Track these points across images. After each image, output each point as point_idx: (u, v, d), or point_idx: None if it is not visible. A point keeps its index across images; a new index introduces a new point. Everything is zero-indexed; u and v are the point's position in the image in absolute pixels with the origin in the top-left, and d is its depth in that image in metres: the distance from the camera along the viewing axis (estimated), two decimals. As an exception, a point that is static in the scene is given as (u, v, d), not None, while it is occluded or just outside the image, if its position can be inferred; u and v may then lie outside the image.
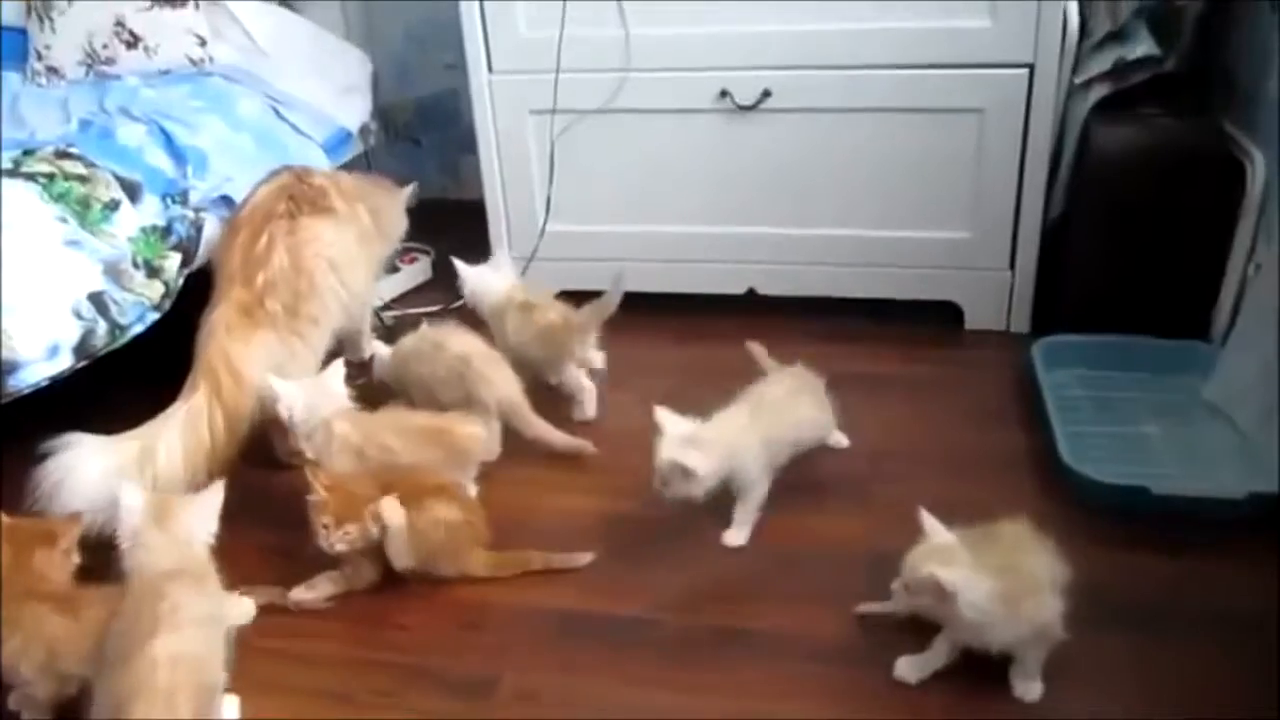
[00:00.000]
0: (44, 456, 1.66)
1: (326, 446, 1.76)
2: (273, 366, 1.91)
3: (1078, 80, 2.14)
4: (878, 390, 2.12)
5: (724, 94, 2.26)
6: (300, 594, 1.65)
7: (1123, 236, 2.10)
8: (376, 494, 1.63)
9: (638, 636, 1.57)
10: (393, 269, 2.60)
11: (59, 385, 1.84)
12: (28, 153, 2.01)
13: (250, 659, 1.44)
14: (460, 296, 2.22)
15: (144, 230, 2.05)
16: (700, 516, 1.71)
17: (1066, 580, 1.40)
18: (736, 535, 1.73)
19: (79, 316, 1.87)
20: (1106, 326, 2.09)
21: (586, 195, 2.44)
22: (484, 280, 2.17)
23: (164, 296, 2.03)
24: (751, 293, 2.41)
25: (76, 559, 1.44)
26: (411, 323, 2.21)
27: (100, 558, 1.51)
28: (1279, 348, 1.77)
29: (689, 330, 2.40)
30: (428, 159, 2.76)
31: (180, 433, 1.80)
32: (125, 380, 1.97)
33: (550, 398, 2.06)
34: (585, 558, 1.68)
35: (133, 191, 2.07)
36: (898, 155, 2.24)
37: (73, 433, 1.70)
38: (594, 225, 2.46)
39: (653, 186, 2.41)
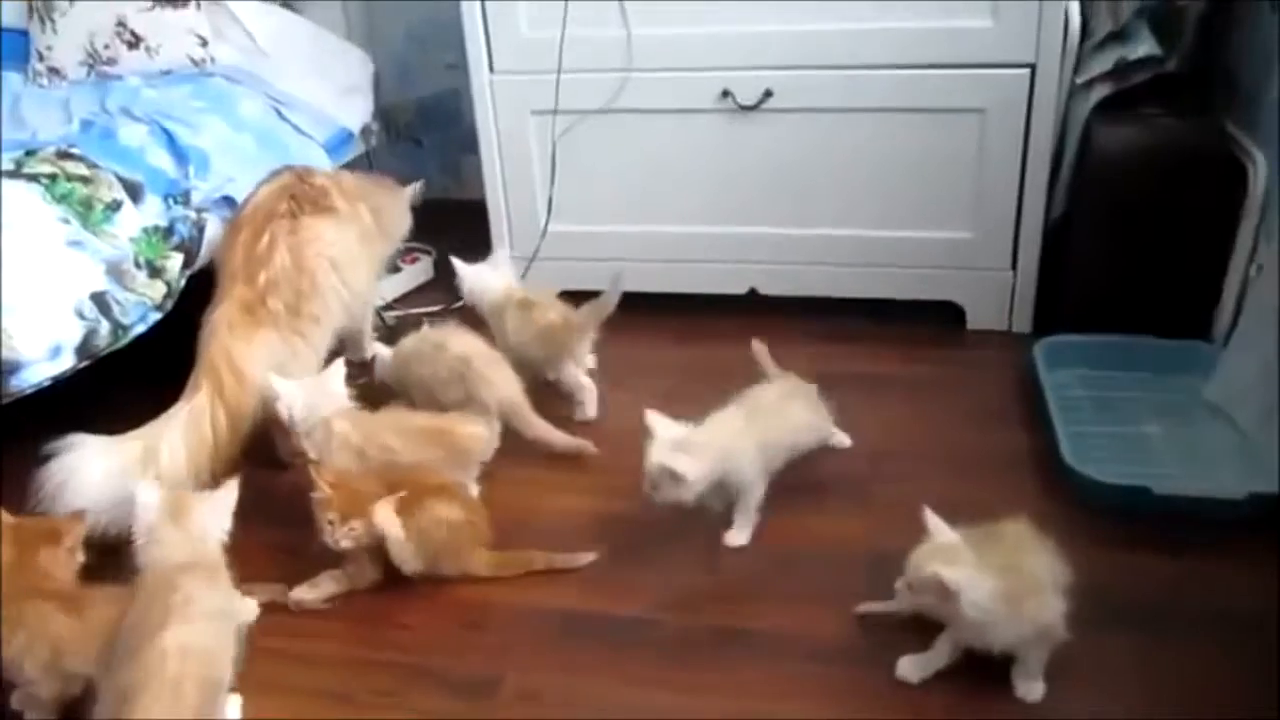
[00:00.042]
0: (47, 457, 1.67)
1: (326, 445, 1.77)
2: (275, 365, 1.91)
3: (1079, 80, 2.14)
4: (879, 390, 2.12)
5: (725, 94, 2.27)
6: (302, 593, 1.65)
7: (1124, 237, 2.10)
8: (381, 491, 1.63)
9: (639, 636, 1.57)
10: (394, 269, 2.61)
11: (61, 385, 1.84)
12: (30, 153, 2.02)
13: (252, 658, 1.44)
14: (461, 296, 2.23)
15: (146, 231, 2.05)
16: (701, 517, 1.71)
17: (1068, 580, 1.40)
18: (737, 536, 1.73)
19: (81, 316, 1.88)
20: (1108, 327, 2.09)
21: (588, 195, 2.44)
22: (482, 279, 2.17)
23: (166, 296, 2.03)
24: (753, 293, 2.41)
25: (81, 557, 1.44)
26: (413, 323, 2.21)
27: (104, 558, 1.51)
28: (1280, 348, 1.77)
29: (690, 330, 2.40)
30: (429, 159, 2.76)
31: (183, 432, 1.80)
32: (127, 380, 1.98)
33: (550, 398, 2.06)
34: (587, 558, 1.68)
35: (134, 192, 2.07)
36: (899, 155, 2.24)
37: (76, 433, 1.70)
38: (595, 225, 2.46)
39: (654, 186, 2.41)
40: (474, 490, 1.81)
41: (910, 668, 1.45)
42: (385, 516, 1.61)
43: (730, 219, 2.38)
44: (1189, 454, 1.85)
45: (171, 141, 2.22)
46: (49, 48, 2.52)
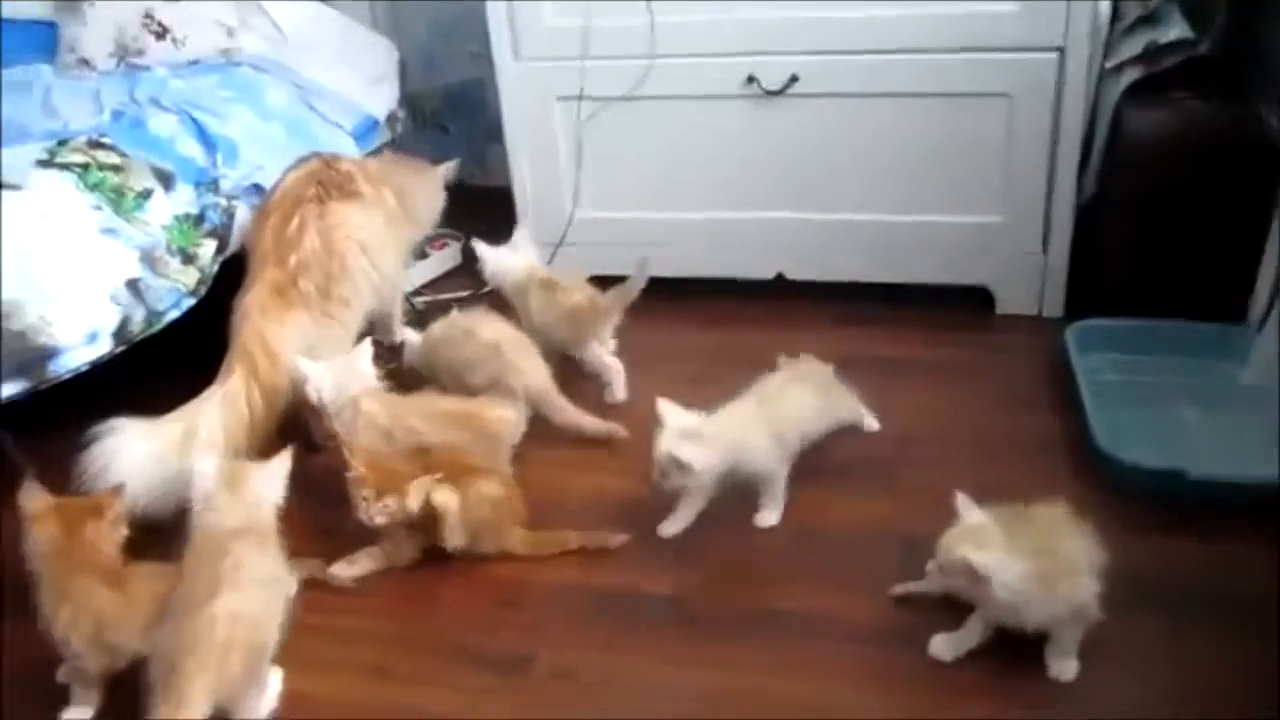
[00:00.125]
0: (89, 442, 1.69)
1: (354, 423, 1.78)
2: (306, 346, 1.94)
3: (1109, 64, 2.13)
4: (908, 375, 2.12)
5: (751, 80, 2.26)
6: (341, 569, 1.67)
7: (1156, 220, 2.09)
8: (416, 470, 1.65)
9: (672, 615, 1.58)
10: (422, 255, 2.62)
11: (99, 371, 1.87)
12: (62, 143, 2.04)
13: (291, 634, 1.45)
14: (485, 280, 2.24)
15: (177, 218, 2.07)
16: (731, 499, 1.71)
17: (1102, 563, 1.39)
18: (768, 517, 1.73)
19: (116, 303, 1.90)
20: (1141, 310, 2.08)
21: (613, 181, 2.45)
22: (503, 260, 2.19)
23: (199, 283, 2.05)
24: (780, 278, 2.41)
25: (123, 530, 1.46)
26: (441, 308, 2.23)
27: (148, 535, 1.53)
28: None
29: (718, 315, 2.40)
30: (455, 147, 2.76)
31: (221, 413, 1.83)
32: (163, 366, 2.00)
33: (580, 381, 2.07)
34: (620, 538, 1.69)
35: (166, 180, 2.09)
36: (926, 140, 2.23)
37: (116, 417, 1.72)
38: (621, 211, 2.46)
39: (680, 172, 2.41)
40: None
41: (943, 646, 1.45)
42: (442, 495, 1.63)
43: (757, 204, 2.38)
44: (1223, 438, 1.84)
45: (201, 131, 2.23)
46: (78, 39, 2.53)
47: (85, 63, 2.53)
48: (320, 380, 1.83)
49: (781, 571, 1.65)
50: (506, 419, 1.83)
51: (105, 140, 2.08)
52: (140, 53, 2.52)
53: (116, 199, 1.99)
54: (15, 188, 1.88)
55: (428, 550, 1.68)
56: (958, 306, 2.32)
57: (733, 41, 2.26)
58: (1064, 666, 1.40)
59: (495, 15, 2.35)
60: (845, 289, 2.36)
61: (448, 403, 1.87)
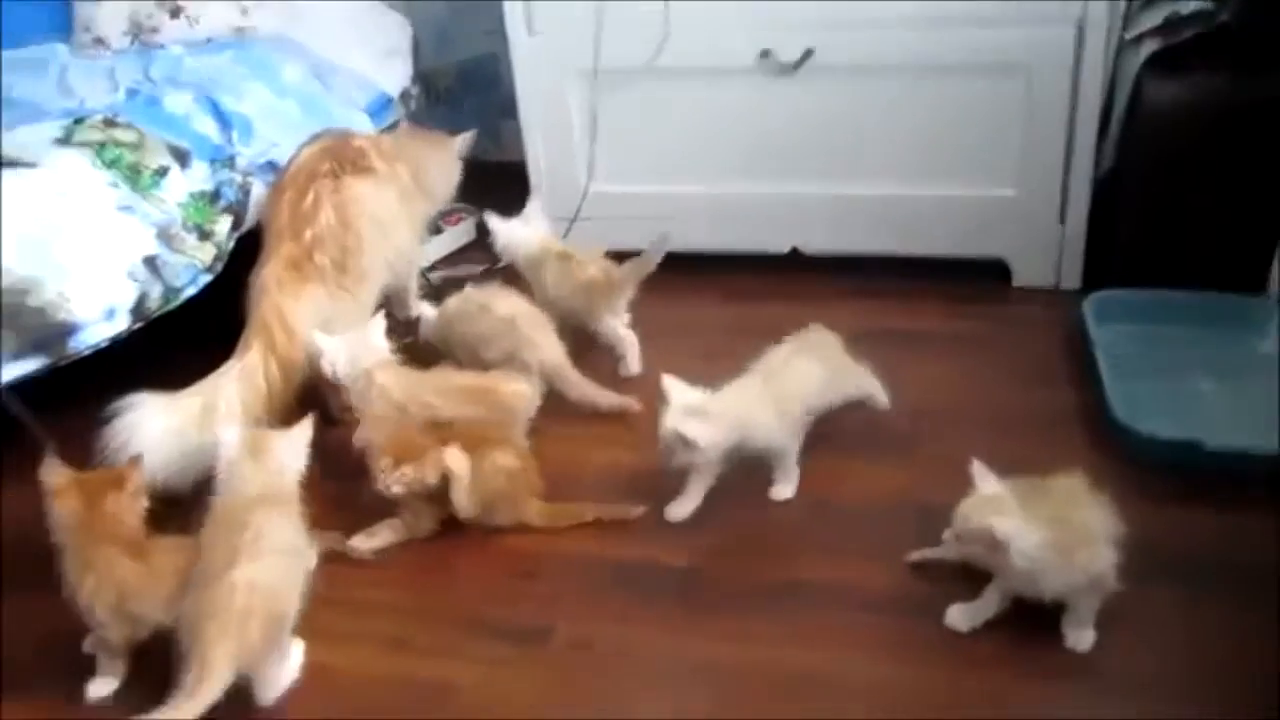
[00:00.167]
0: (109, 417, 1.70)
1: (367, 395, 1.79)
2: (322, 320, 1.95)
3: (1129, 36, 2.11)
4: (924, 348, 2.11)
5: (766, 53, 2.25)
6: (360, 542, 1.68)
7: (1176, 191, 2.08)
8: (433, 441, 1.65)
9: (688, 587, 1.59)
10: (437, 230, 2.62)
11: (118, 347, 1.88)
12: (78, 122, 2.05)
13: (310, 606, 1.46)
14: (497, 253, 2.25)
15: (193, 195, 2.08)
16: (746, 471, 1.71)
17: (1119, 534, 1.39)
18: (783, 489, 1.74)
19: (134, 279, 1.91)
20: (1159, 282, 2.07)
21: (628, 156, 2.44)
22: (514, 233, 2.19)
23: (215, 259, 2.06)
24: (795, 252, 2.41)
25: (144, 502, 1.48)
26: (456, 283, 2.23)
27: (169, 508, 1.55)
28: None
29: (733, 289, 2.40)
30: (469, 123, 2.75)
31: (239, 387, 1.84)
32: (181, 342, 2.01)
33: (595, 355, 2.08)
34: (638, 510, 1.70)
35: (181, 157, 2.10)
36: (944, 112, 2.22)
37: (135, 393, 1.74)
38: (636, 186, 2.46)
39: (694, 146, 2.40)
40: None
41: (959, 616, 1.45)
42: (454, 456, 1.64)
43: (772, 178, 2.37)
44: (1241, 409, 1.83)
45: (216, 108, 2.24)
46: (93, 18, 2.54)
47: (100, 41, 2.53)
48: (335, 354, 1.84)
49: (797, 543, 1.66)
50: (522, 393, 1.84)
51: (121, 118, 2.09)
52: (154, 31, 2.53)
53: (133, 176, 2.00)
54: (33, 166, 1.89)
55: (445, 523, 1.69)
56: (974, 279, 2.31)
57: (748, 15, 2.24)
58: (1080, 636, 1.40)
59: (509, -12, 2.35)
60: (861, 263, 2.35)
61: (463, 378, 1.87)
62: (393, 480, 1.62)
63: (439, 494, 1.66)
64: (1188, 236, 2.10)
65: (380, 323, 1.91)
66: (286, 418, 1.78)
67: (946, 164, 2.26)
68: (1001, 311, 2.25)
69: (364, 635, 1.54)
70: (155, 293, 1.94)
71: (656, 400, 1.68)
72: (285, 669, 1.43)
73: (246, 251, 2.07)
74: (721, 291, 2.40)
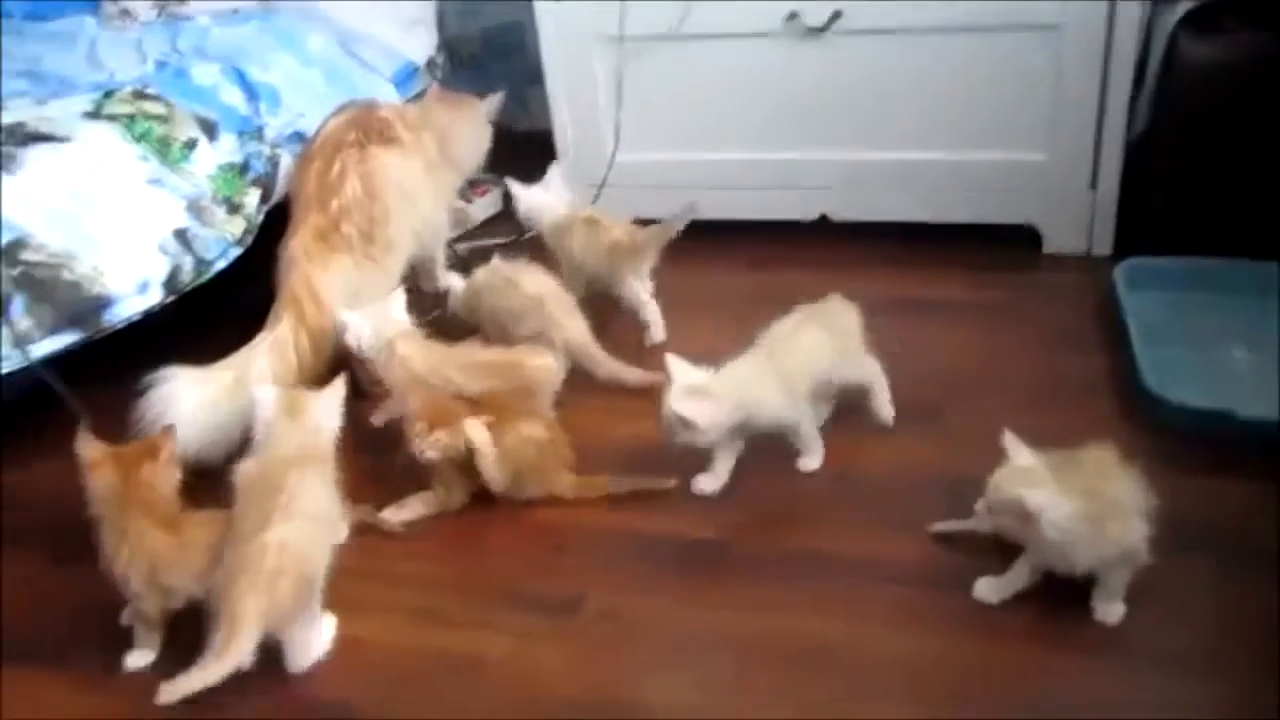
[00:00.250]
0: (143, 390, 1.73)
1: (389, 365, 1.80)
2: (350, 291, 1.96)
3: (1163, -7, 2.07)
4: (955, 316, 2.10)
5: (793, 16, 2.22)
6: (391, 514, 1.70)
7: (1211, 154, 2.04)
8: (466, 409, 1.67)
9: (716, 559, 1.59)
10: (464, 200, 2.62)
11: (151, 320, 1.90)
12: (108, 94, 2.06)
13: (342, 579, 1.49)
14: (520, 220, 2.26)
15: (222, 168, 2.10)
16: (774, 443, 1.71)
17: (1150, 507, 1.38)
18: (809, 461, 1.73)
19: (165, 253, 1.94)
20: (1193, 248, 2.03)
21: (655, 123, 2.42)
22: (535, 199, 2.20)
23: (245, 232, 2.08)
24: (824, 219, 2.39)
25: (178, 472, 1.50)
26: (483, 254, 2.23)
27: (198, 484, 1.56)
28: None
29: (761, 257, 2.38)
30: (496, 88, 2.74)
31: (270, 359, 1.86)
32: (213, 315, 2.03)
33: (621, 329, 2.08)
34: (668, 482, 1.70)
35: (209, 129, 2.11)
36: (973, 75, 2.18)
37: (169, 366, 1.76)
38: (663, 153, 2.44)
39: (721, 112, 2.38)
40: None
41: (988, 589, 1.45)
42: (475, 429, 1.65)
43: (799, 144, 2.35)
44: (1275, 379, 1.80)
45: (242, 79, 2.25)
46: (119, -11, 2.55)
47: (127, 13, 2.54)
48: (359, 328, 1.85)
49: (825, 514, 1.66)
50: (547, 367, 1.84)
51: (150, 90, 2.10)
52: (181, 1, 2.53)
53: (163, 150, 2.01)
54: (66, 140, 1.90)
55: (476, 496, 1.70)
56: (1005, 246, 2.28)
57: (773, -23, 2.22)
58: (1110, 609, 1.40)
59: (533, -47, 2.33)
60: (890, 229, 2.33)
61: (486, 354, 1.87)
62: (427, 445, 1.64)
63: (471, 465, 1.67)
64: (1223, 201, 2.06)
65: (401, 296, 1.91)
66: (318, 388, 1.80)
67: (976, 128, 2.23)
68: (1032, 279, 2.23)
69: (395, 607, 1.55)
70: (187, 266, 1.96)
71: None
72: (316, 635, 1.45)
73: (277, 224, 2.08)
74: (749, 259, 2.38)
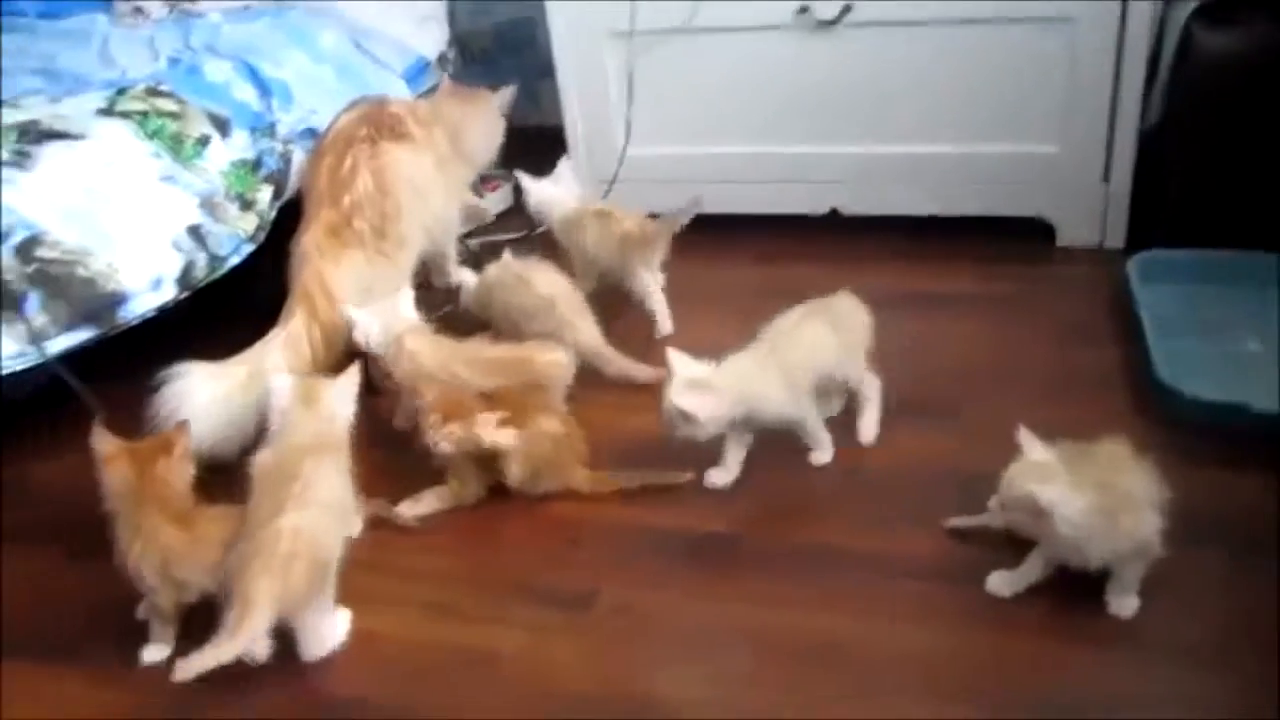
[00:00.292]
0: (157, 385, 1.74)
1: (398, 361, 1.81)
2: (362, 287, 1.97)
3: (1177, -16, 2.05)
4: (967, 310, 2.09)
5: (804, 10, 2.22)
6: (406, 509, 1.70)
7: (1225, 146, 2.03)
8: (481, 405, 1.67)
9: (728, 553, 1.59)
10: (476, 196, 2.63)
11: (165, 317, 1.91)
12: (121, 92, 2.06)
13: (357, 573, 1.50)
14: (530, 215, 2.27)
15: (234, 164, 2.10)
16: (786, 437, 1.71)
17: (1164, 500, 1.38)
18: (820, 455, 1.73)
19: (179, 249, 1.94)
20: (1207, 240, 2.02)
21: (666, 117, 2.42)
22: (545, 192, 2.21)
23: (258, 228, 2.09)
24: (834, 213, 2.39)
25: (191, 467, 1.51)
26: (491, 250, 2.24)
27: (212, 479, 1.58)
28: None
29: (771, 251, 2.38)
30: (508, 82, 2.76)
31: (284, 354, 1.87)
32: (226, 311, 2.04)
33: (624, 324, 2.08)
34: (684, 476, 1.70)
35: (222, 126, 2.12)
36: (985, 67, 2.17)
37: (183, 362, 1.77)
38: (674, 147, 2.44)
39: (732, 106, 2.38)
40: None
41: (1001, 583, 1.45)
42: (496, 433, 1.65)
43: (810, 138, 2.35)
44: (1289, 371, 1.80)
45: (255, 75, 2.25)
46: (131, -13, 2.55)
47: (139, 11, 2.55)
48: (368, 325, 1.86)
49: (838, 508, 1.66)
50: (558, 362, 1.83)
51: (163, 88, 2.10)
52: (193, -1, 2.54)
53: (175, 147, 2.02)
54: (80, 137, 1.91)
55: (491, 491, 1.71)
56: (1017, 239, 2.27)
57: (784, -30, 2.21)
58: (1124, 603, 1.40)
59: (544, -51, 2.33)
60: (902, 223, 2.32)
61: (495, 350, 1.86)
62: (441, 437, 1.64)
63: (486, 459, 1.68)
64: (1237, 193, 2.05)
65: (410, 293, 1.92)
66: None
67: (988, 120, 2.22)
68: (1044, 272, 2.22)
69: (409, 601, 1.56)
70: (200, 262, 1.97)
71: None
72: (329, 625, 1.46)
73: (289, 221, 2.09)
74: (759, 253, 2.38)
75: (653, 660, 1.44)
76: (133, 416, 1.69)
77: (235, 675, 1.33)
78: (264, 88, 2.24)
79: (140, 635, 1.50)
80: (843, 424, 1.77)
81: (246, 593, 1.33)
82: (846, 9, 2.19)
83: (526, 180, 2.22)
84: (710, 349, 1.67)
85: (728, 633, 1.46)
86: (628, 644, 1.46)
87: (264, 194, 2.12)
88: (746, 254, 2.38)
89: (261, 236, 2.09)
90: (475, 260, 2.31)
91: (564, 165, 2.27)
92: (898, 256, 2.27)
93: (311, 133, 2.24)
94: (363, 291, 1.97)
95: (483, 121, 2.31)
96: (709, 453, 1.70)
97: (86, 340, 1.82)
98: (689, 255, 2.14)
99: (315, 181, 2.06)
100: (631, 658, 1.45)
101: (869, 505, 1.65)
